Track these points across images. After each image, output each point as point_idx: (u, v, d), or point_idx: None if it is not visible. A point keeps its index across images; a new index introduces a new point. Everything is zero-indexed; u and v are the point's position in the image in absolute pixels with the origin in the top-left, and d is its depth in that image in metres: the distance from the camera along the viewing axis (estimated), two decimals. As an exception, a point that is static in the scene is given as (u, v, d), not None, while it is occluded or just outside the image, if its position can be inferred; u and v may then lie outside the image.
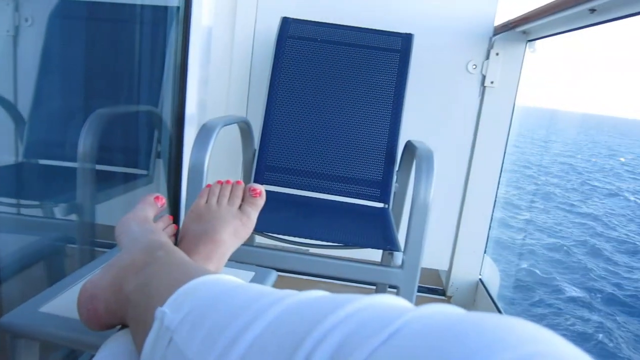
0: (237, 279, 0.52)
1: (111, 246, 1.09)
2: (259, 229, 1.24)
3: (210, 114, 1.81)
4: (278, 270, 1.79)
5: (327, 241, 1.28)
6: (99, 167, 1.45)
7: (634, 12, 1.22)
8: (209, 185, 0.83)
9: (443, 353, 0.24)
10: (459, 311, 0.29)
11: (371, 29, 1.67)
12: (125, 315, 0.58)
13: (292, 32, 1.66)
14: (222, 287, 0.48)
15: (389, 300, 0.34)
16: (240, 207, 0.80)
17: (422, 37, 1.72)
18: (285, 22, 1.67)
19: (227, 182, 0.83)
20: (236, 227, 0.77)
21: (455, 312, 0.29)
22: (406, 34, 1.64)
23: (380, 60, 1.61)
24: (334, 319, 0.32)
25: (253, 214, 0.80)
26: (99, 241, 1.39)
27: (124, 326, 0.61)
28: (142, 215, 0.77)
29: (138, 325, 0.53)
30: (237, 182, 0.83)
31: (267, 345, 0.35)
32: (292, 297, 0.39)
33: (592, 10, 1.30)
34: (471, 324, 0.26)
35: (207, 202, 0.81)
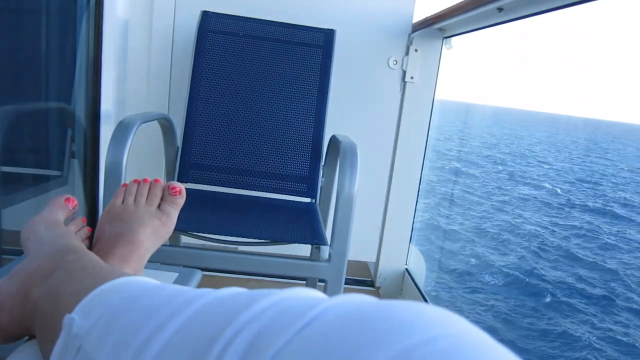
0: (152, 280, 0.50)
1: (19, 253, 1.01)
2: (184, 228, 1.21)
3: (129, 110, 1.73)
4: (206, 270, 1.75)
5: (255, 238, 1.27)
6: (5, 168, 1.35)
7: (537, 11, 1.31)
8: (125, 185, 0.80)
9: (353, 340, 0.24)
10: (370, 299, 0.30)
11: (294, 25, 1.66)
12: (32, 325, 0.54)
13: (213, 27, 1.63)
14: (136, 289, 0.46)
15: (303, 293, 0.34)
16: (159, 206, 0.77)
17: (345, 33, 1.74)
18: (206, 16, 1.63)
19: (145, 180, 0.80)
20: (155, 227, 0.75)
21: (367, 300, 0.29)
22: (328, 29, 1.66)
23: (303, 56, 1.62)
24: (247, 316, 0.31)
25: (173, 213, 0.78)
26: (5, 248, 1.29)
27: (32, 337, 0.57)
28: (51, 218, 0.72)
29: (46, 334, 0.50)
30: (155, 181, 0.80)
31: (181, 345, 0.34)
32: (207, 295, 0.38)
33: (500, 9, 1.38)
34: (380, 311, 0.26)
35: (123, 202, 0.77)
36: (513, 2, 1.30)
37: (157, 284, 0.49)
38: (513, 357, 0.24)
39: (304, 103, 1.59)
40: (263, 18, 1.67)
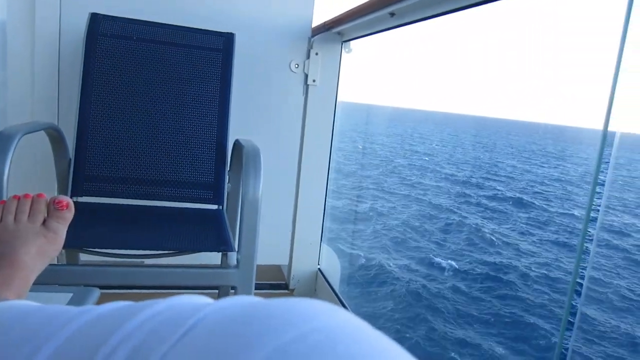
0: (33, 303, 0.46)
1: None
2: (78, 245, 1.13)
3: (11, 120, 1.59)
4: (109, 287, 1.65)
5: (159, 250, 1.22)
6: None
7: (426, 16, 1.39)
8: (2, 202, 0.73)
9: (230, 342, 0.24)
10: (254, 300, 0.29)
11: (191, 28, 1.62)
12: None
13: (103, 30, 1.54)
14: (12, 314, 0.42)
15: (187, 300, 0.33)
16: (44, 222, 0.72)
17: (245, 37, 1.73)
18: (95, 19, 1.54)
19: (26, 196, 0.73)
20: (40, 246, 0.69)
21: (249, 301, 0.29)
22: (227, 33, 1.64)
23: (202, 60, 1.58)
24: (130, 326, 0.30)
25: (60, 229, 0.72)
26: None
27: None
28: None
29: None
30: (38, 196, 0.74)
31: None
32: (91, 312, 0.36)
33: (392, 14, 1.45)
34: (259, 310, 0.26)
35: (1, 221, 0.71)
36: (403, 7, 1.37)
37: (38, 306, 0.45)
38: (391, 345, 0.25)
39: (205, 108, 1.56)
40: (159, 21, 1.61)
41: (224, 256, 1.18)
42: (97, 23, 1.54)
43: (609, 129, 0.77)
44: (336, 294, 1.92)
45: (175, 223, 1.41)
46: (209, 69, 1.58)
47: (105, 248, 1.15)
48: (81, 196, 1.47)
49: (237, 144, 1.45)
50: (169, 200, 1.52)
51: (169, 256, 1.25)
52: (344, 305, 1.83)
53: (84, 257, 1.52)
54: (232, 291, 1.29)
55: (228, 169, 1.55)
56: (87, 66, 1.50)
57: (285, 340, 0.23)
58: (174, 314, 0.30)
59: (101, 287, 0.95)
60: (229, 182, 1.54)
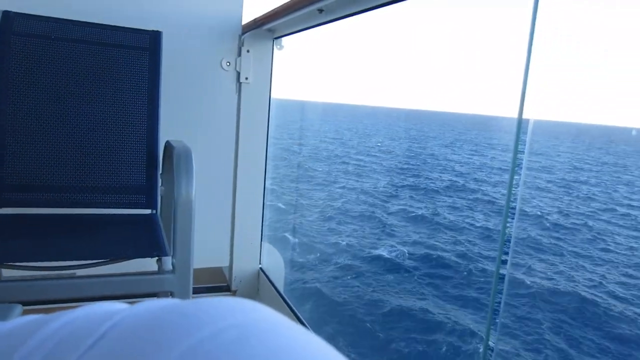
0: None
1: None
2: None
3: None
4: (36, 303, 1.56)
5: (88, 259, 1.16)
6: None
7: (354, 11, 1.41)
8: None
9: (142, 347, 0.23)
10: (171, 302, 0.29)
11: (114, 26, 1.55)
12: None
13: (17, 29, 1.44)
14: None
15: (101, 307, 0.31)
16: None
17: (173, 35, 1.68)
18: (7, 17, 1.44)
19: None
20: None
21: (166, 303, 0.28)
22: (153, 31, 1.58)
23: (127, 59, 1.52)
24: (36, 340, 0.28)
25: None
26: None
27: None
28: None
29: None
30: None
31: None
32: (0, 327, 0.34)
33: (321, 10, 1.45)
34: (174, 311, 0.26)
35: None
36: (331, 3, 1.38)
37: None
38: (312, 341, 0.25)
39: (133, 109, 1.50)
40: (78, 19, 1.53)
41: (159, 261, 1.15)
42: (10, 21, 1.44)
43: (524, 116, 0.82)
44: (279, 292, 1.91)
45: (106, 230, 1.35)
46: (135, 69, 1.52)
47: (29, 261, 1.09)
48: (1, 208, 1.38)
49: (168, 146, 1.41)
50: (99, 207, 1.46)
51: (100, 265, 1.19)
52: (286, 303, 1.83)
53: (10, 272, 1.43)
54: (170, 297, 1.26)
55: (160, 171, 1.50)
56: (0, 68, 1.40)
57: (198, 338, 0.22)
58: (85, 322, 0.28)
59: (30, 303, 0.89)
60: (162, 185, 1.50)
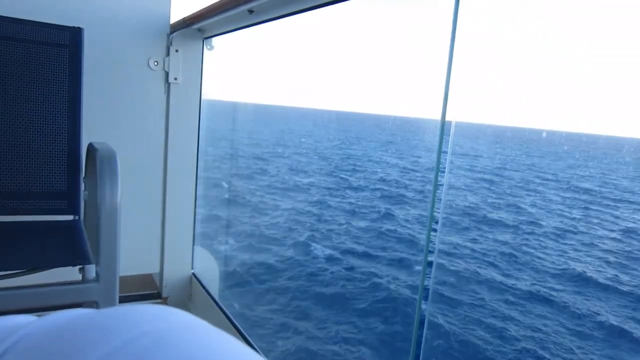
0: None
1: None
2: None
3: None
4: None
5: (5, 270, 1.08)
6: None
7: (284, 13, 1.41)
8: None
9: None
10: (82, 312, 0.27)
11: (32, 21, 1.45)
12: None
13: None
14: None
15: (6, 321, 0.29)
16: None
17: (96, 32, 1.61)
18: None
19: None
20: None
21: (75, 313, 0.27)
22: (74, 27, 1.50)
23: (45, 57, 1.43)
24: None
25: None
26: None
27: None
28: None
29: None
30: None
31: None
32: None
33: (251, 11, 1.44)
34: (84, 321, 0.25)
35: None
36: (261, 4, 1.37)
37: None
38: (230, 346, 0.25)
39: (52, 110, 1.41)
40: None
41: (82, 270, 1.09)
42: None
43: (446, 119, 0.86)
44: (212, 298, 1.87)
45: (24, 239, 1.26)
46: (53, 67, 1.43)
47: None
48: None
49: (91, 148, 1.34)
50: (16, 214, 1.36)
51: (18, 276, 1.11)
52: (220, 308, 1.80)
53: None
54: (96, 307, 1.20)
55: (83, 175, 1.43)
56: None
57: (111, 348, 0.22)
58: None
59: None
60: (85, 189, 1.42)
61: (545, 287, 11.33)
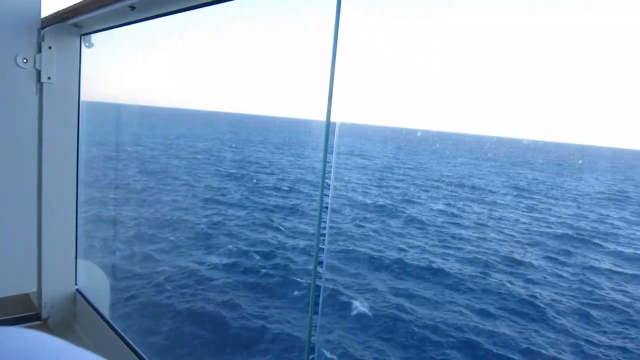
0: None
1: None
2: None
3: None
4: None
5: None
6: None
7: (168, 11, 1.34)
8: None
9: None
10: None
11: None
12: None
13: None
14: None
15: None
16: None
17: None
18: None
19: None
20: None
21: None
22: None
23: None
24: None
25: None
26: None
27: None
28: None
29: None
30: None
31: None
32: None
33: (133, 7, 1.36)
34: None
35: None
36: (143, 1, 1.30)
37: None
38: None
39: None
40: None
41: None
42: None
43: (331, 120, 0.87)
44: (101, 315, 1.74)
45: None
46: None
47: None
48: None
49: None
50: None
51: None
52: (110, 326, 1.67)
53: None
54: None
55: None
56: None
57: None
58: None
59: None
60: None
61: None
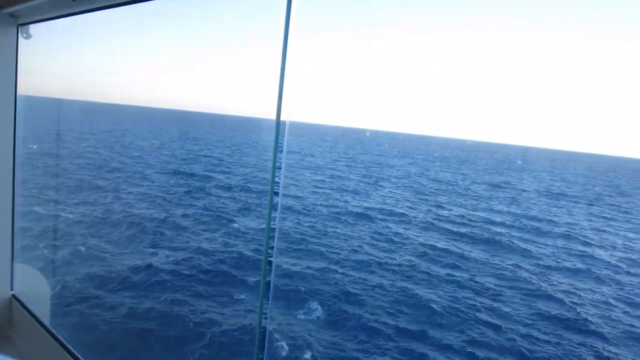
0: None
1: None
2: None
3: None
4: None
5: None
6: None
7: (112, 3, 1.29)
8: None
9: None
10: None
11: None
12: None
13: None
14: None
15: None
16: None
17: None
18: None
19: None
20: None
21: None
22: None
23: None
24: None
25: None
26: None
27: None
28: None
29: None
30: None
31: None
32: None
33: (74, -1, 1.30)
34: None
35: None
36: (85, -9, 1.24)
37: None
38: None
39: None
40: None
41: None
42: None
43: (281, 118, 0.86)
44: (39, 322, 1.64)
45: None
46: None
47: None
48: None
49: None
50: None
51: None
52: (50, 333, 1.59)
53: None
54: None
55: None
56: None
57: None
58: None
59: None
60: None
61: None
